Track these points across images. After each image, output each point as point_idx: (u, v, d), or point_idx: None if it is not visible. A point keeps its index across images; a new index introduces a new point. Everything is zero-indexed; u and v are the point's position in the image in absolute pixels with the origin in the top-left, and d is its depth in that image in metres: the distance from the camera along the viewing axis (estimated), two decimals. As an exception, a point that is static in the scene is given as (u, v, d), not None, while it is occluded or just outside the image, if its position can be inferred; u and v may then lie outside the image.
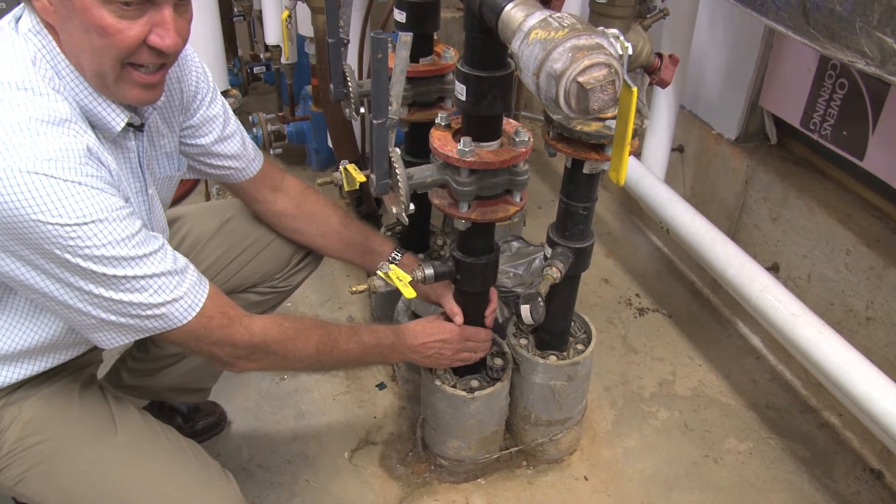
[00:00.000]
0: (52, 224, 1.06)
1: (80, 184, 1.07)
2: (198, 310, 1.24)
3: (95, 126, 1.18)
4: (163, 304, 1.19)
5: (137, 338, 1.23)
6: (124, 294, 1.15)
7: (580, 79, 0.96)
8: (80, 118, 1.13)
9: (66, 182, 1.06)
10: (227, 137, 1.52)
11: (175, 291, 1.20)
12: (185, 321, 1.23)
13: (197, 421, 2.02)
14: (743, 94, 2.34)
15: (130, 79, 1.14)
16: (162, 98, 1.25)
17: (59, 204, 1.05)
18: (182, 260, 1.24)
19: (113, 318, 1.18)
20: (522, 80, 1.05)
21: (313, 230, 1.69)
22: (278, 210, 1.66)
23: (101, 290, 1.14)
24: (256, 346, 1.34)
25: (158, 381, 1.75)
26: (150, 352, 1.72)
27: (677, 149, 2.62)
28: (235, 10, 3.67)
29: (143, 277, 1.15)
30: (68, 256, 1.09)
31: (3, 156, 1.03)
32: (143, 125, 1.28)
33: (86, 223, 1.08)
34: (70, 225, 1.07)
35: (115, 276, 1.13)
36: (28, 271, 1.12)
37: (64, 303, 1.15)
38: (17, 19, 1.14)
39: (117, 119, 1.19)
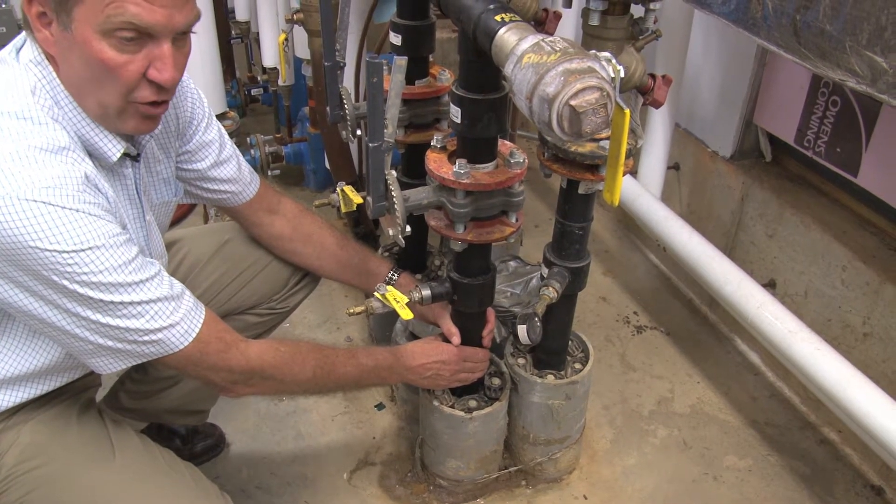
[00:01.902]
0: (49, 251, 1.06)
1: (77, 211, 1.08)
2: (194, 335, 1.24)
3: (92, 155, 1.19)
4: (159, 330, 1.20)
5: (134, 363, 1.24)
6: (121, 320, 1.16)
7: (572, 102, 0.97)
8: (78, 147, 1.14)
9: (63, 209, 1.07)
10: (223, 162, 1.53)
11: (171, 317, 1.20)
12: (181, 346, 1.23)
13: (196, 443, 2.02)
14: (737, 112, 2.36)
15: (134, 111, 1.16)
16: (159, 126, 1.27)
17: (57, 231, 1.06)
18: (178, 286, 1.24)
19: (110, 343, 1.18)
20: (516, 103, 1.06)
21: (310, 252, 1.70)
22: (275, 233, 1.67)
23: (98, 316, 1.14)
24: (253, 372, 1.35)
25: (157, 404, 1.75)
26: (148, 374, 1.72)
27: (673, 167, 2.63)
28: (233, 32, 3.69)
29: (139, 303, 1.16)
30: (66, 283, 1.09)
31: (2, 183, 1.04)
32: (139, 155, 1.29)
33: (83, 250, 1.08)
34: (67, 252, 1.07)
35: (111, 302, 1.14)
36: (26, 297, 1.12)
37: (61, 328, 1.16)
38: (18, 49, 1.16)
39: (114, 149, 1.20)
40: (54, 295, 1.11)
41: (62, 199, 1.07)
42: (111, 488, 1.33)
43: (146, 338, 1.19)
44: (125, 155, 1.23)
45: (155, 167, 1.39)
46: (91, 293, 1.11)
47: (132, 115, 1.17)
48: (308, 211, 1.72)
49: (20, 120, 1.10)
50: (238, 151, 1.58)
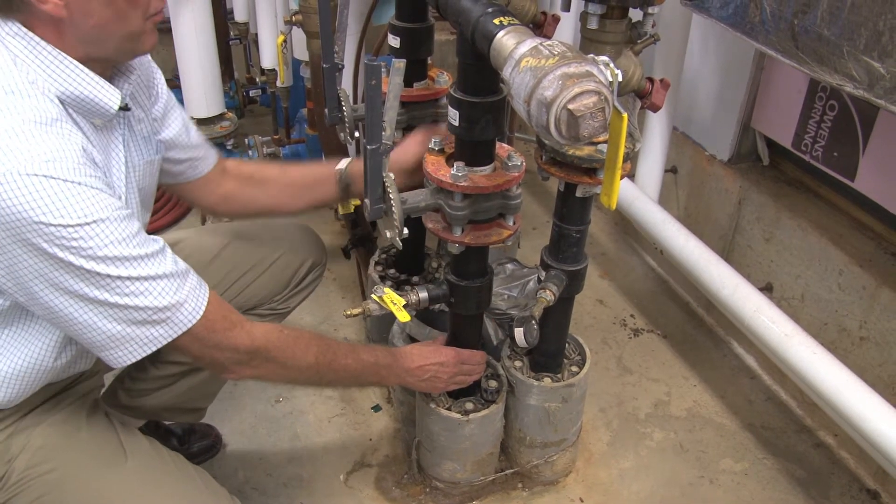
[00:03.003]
0: (54, 225, 1.05)
1: (80, 184, 1.07)
2: (201, 313, 1.24)
3: (89, 114, 1.19)
4: (167, 308, 1.19)
5: (146, 352, 1.21)
6: (129, 298, 1.15)
7: (570, 106, 0.97)
8: (67, 118, 1.14)
9: (66, 182, 1.06)
10: (189, 127, 1.53)
11: (178, 294, 1.20)
12: (189, 325, 1.22)
13: (192, 443, 2.02)
14: (735, 116, 2.36)
15: (149, 27, 1.19)
16: (133, 77, 1.29)
17: (61, 205, 1.05)
18: (182, 264, 1.24)
19: (119, 327, 1.17)
20: (514, 106, 1.06)
21: (259, 192, 1.67)
22: (225, 191, 1.65)
23: (106, 295, 1.13)
24: (257, 351, 1.34)
25: (155, 401, 1.75)
26: (147, 371, 1.72)
27: (671, 170, 2.63)
28: (232, 33, 3.69)
29: (146, 279, 1.15)
30: (72, 258, 1.08)
31: (1, 160, 1.03)
32: (128, 106, 1.27)
33: (88, 223, 1.08)
34: (73, 225, 1.06)
35: (119, 277, 1.13)
36: (35, 284, 1.11)
37: (70, 316, 1.15)
38: None
39: (113, 98, 1.20)
40: (61, 276, 1.10)
41: (64, 172, 1.06)
42: (123, 492, 1.33)
43: (155, 317, 1.18)
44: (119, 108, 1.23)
45: (136, 126, 1.37)
46: (97, 268, 1.10)
47: (148, 32, 1.20)
48: (245, 161, 1.71)
49: (7, 94, 1.09)
50: None
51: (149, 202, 1.46)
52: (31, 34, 1.12)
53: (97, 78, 1.17)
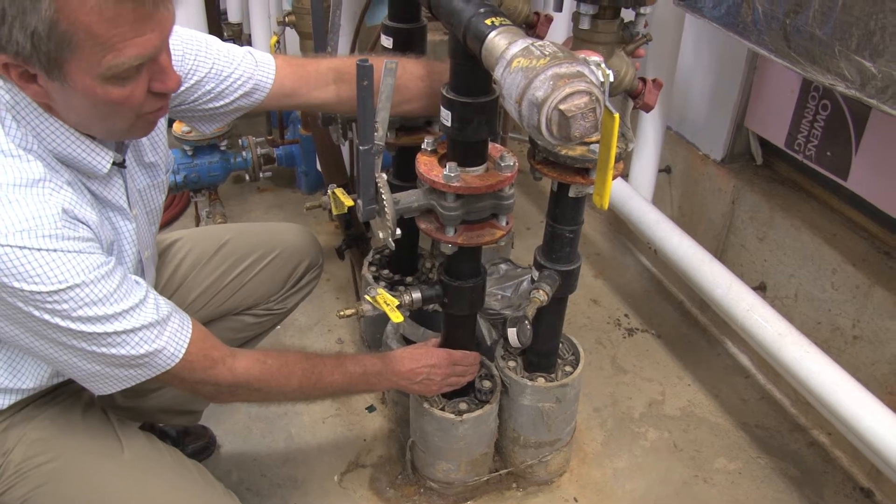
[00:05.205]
0: (29, 291, 1.06)
1: (55, 251, 1.07)
2: (180, 356, 1.25)
3: (79, 171, 1.18)
4: (145, 356, 1.20)
5: (127, 386, 1.25)
6: (106, 348, 1.16)
7: (561, 106, 0.97)
8: (54, 174, 1.12)
9: (40, 251, 1.06)
10: (227, 76, 1.46)
11: (156, 342, 1.21)
12: (168, 367, 1.24)
13: (186, 444, 2.02)
14: (728, 116, 2.37)
15: (142, 123, 1.16)
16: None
17: (35, 273, 1.06)
18: (165, 308, 1.24)
19: (97, 368, 1.19)
20: (505, 107, 1.06)
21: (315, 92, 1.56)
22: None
23: (84, 345, 1.15)
24: (239, 385, 1.37)
25: (151, 402, 1.75)
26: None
27: (664, 170, 2.64)
28: (225, 34, 3.68)
29: (122, 333, 1.16)
30: (47, 317, 1.10)
31: None
32: (124, 161, 1.27)
33: (63, 289, 1.08)
34: (47, 292, 1.07)
35: (94, 333, 1.14)
36: (11, 328, 1.13)
37: (49, 356, 1.17)
38: None
39: (104, 161, 1.19)
40: (38, 326, 1.11)
41: (39, 242, 1.06)
42: (120, 482, 1.34)
43: (133, 362, 1.20)
44: (112, 164, 1.22)
45: (142, 157, 1.37)
46: (73, 326, 1.12)
47: (140, 127, 1.17)
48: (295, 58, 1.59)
49: None
50: (237, 48, 1.51)
51: (156, 217, 1.47)
52: (18, 92, 1.10)
53: (86, 141, 1.16)
